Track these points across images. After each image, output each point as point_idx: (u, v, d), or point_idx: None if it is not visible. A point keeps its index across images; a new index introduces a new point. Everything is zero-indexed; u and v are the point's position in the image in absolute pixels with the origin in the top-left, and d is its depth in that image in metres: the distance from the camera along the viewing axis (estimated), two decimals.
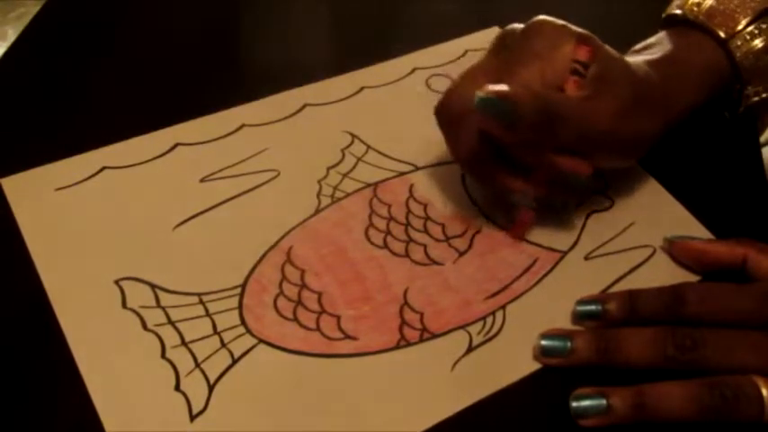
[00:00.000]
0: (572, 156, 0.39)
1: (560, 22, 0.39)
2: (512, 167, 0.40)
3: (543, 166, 0.39)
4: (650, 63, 0.42)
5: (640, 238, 0.43)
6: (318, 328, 0.38)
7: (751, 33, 0.44)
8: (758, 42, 0.44)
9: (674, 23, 0.46)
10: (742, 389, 0.34)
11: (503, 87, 0.36)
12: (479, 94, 0.36)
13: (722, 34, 0.44)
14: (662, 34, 0.46)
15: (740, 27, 0.44)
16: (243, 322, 0.38)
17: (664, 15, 0.47)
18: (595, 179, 0.43)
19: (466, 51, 0.53)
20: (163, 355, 0.36)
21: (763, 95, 0.45)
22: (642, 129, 0.41)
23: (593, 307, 0.38)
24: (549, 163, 0.39)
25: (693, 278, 0.41)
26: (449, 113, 0.40)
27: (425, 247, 0.42)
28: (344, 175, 0.45)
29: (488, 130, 0.38)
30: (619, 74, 0.40)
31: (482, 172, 0.41)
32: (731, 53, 0.44)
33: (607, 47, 0.40)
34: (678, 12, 0.46)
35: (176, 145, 0.45)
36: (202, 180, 0.44)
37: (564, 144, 0.39)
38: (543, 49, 0.39)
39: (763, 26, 0.44)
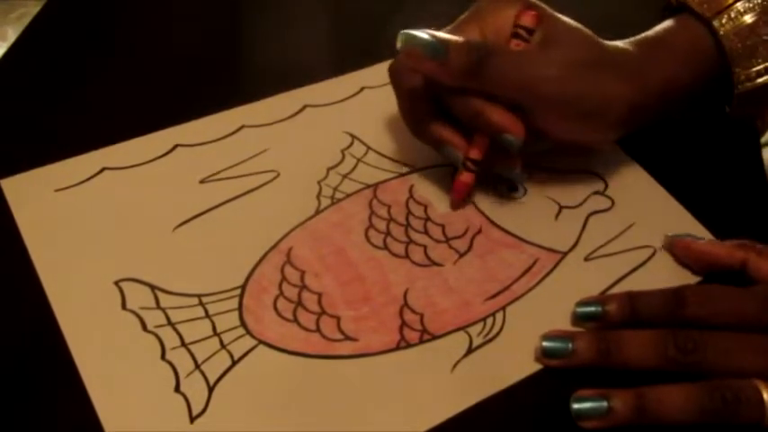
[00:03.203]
0: (509, 112, 0.40)
1: None
2: (453, 125, 0.42)
3: (481, 125, 0.40)
4: (630, 42, 0.43)
5: (640, 238, 0.43)
6: (318, 330, 0.38)
7: (737, 11, 0.43)
8: (748, 18, 0.43)
9: (669, 13, 0.46)
10: (743, 392, 0.34)
11: (434, 32, 0.39)
12: (405, 31, 0.39)
13: (707, 13, 0.43)
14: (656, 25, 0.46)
15: (729, 2, 0.43)
16: (243, 323, 0.38)
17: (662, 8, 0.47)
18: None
19: None
20: (163, 357, 0.36)
21: (758, 81, 0.43)
22: (606, 92, 0.41)
23: (592, 308, 0.38)
24: (480, 114, 0.39)
25: (694, 279, 0.41)
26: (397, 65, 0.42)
27: (425, 247, 0.42)
28: (344, 176, 0.45)
29: (421, 69, 0.39)
30: (568, 35, 0.40)
31: (420, 122, 0.42)
32: (715, 31, 0.43)
33: (559, 16, 0.41)
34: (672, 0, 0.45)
35: (176, 146, 0.45)
36: (202, 181, 0.44)
37: (503, 94, 0.39)
38: (488, 10, 0.41)
39: (757, 0, 0.43)
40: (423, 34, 0.39)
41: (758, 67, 0.43)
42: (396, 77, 0.42)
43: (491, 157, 0.42)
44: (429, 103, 0.41)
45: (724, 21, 0.43)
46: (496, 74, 0.39)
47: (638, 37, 0.43)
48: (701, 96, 0.45)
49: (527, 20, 0.40)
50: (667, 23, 0.44)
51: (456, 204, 0.43)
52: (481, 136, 0.41)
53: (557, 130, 0.41)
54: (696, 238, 0.42)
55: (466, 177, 0.42)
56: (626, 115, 0.42)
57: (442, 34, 0.39)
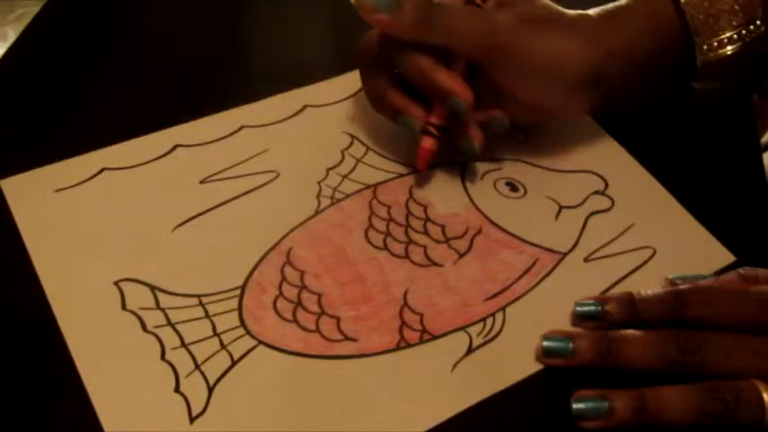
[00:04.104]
0: (457, 76, 0.40)
1: None
2: (411, 97, 0.42)
3: (428, 86, 0.40)
4: (592, 9, 0.43)
5: (640, 239, 0.43)
6: (318, 330, 0.38)
7: None
8: None
9: None
10: (743, 393, 0.34)
11: None
12: None
13: None
14: None
15: None
16: (242, 324, 0.38)
17: None
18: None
19: None
20: (162, 357, 0.36)
21: (720, 52, 0.42)
22: (561, 48, 0.41)
23: (592, 307, 0.38)
24: (427, 74, 0.40)
25: None
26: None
27: (425, 248, 0.42)
28: (344, 177, 0.45)
29: (373, 21, 0.40)
30: None
31: (379, 93, 0.43)
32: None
33: None
34: None
35: (176, 146, 0.45)
36: (202, 181, 0.44)
37: (456, 46, 0.40)
38: None
39: None
40: None
41: (721, 37, 0.42)
42: (358, 50, 0.43)
43: (451, 129, 0.42)
44: (388, 75, 0.43)
45: None
46: (449, 24, 0.39)
47: (602, 6, 0.43)
48: (668, 68, 0.44)
49: None
50: None
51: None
52: (439, 103, 0.42)
53: (515, 88, 0.41)
54: (700, 277, 0.40)
55: (428, 143, 0.43)
56: (586, 76, 0.41)
57: None
